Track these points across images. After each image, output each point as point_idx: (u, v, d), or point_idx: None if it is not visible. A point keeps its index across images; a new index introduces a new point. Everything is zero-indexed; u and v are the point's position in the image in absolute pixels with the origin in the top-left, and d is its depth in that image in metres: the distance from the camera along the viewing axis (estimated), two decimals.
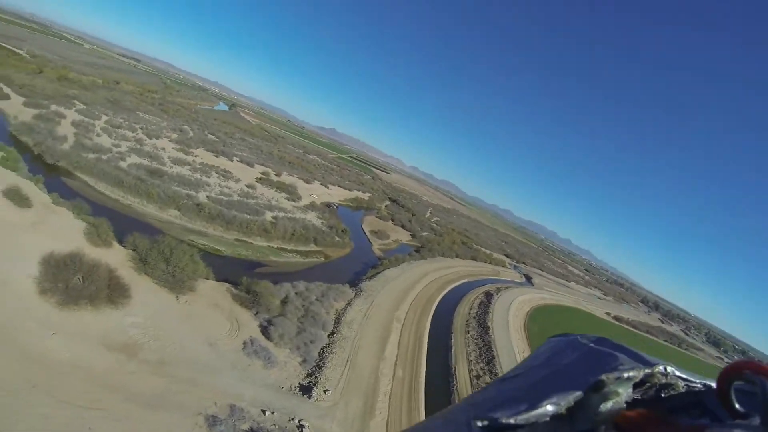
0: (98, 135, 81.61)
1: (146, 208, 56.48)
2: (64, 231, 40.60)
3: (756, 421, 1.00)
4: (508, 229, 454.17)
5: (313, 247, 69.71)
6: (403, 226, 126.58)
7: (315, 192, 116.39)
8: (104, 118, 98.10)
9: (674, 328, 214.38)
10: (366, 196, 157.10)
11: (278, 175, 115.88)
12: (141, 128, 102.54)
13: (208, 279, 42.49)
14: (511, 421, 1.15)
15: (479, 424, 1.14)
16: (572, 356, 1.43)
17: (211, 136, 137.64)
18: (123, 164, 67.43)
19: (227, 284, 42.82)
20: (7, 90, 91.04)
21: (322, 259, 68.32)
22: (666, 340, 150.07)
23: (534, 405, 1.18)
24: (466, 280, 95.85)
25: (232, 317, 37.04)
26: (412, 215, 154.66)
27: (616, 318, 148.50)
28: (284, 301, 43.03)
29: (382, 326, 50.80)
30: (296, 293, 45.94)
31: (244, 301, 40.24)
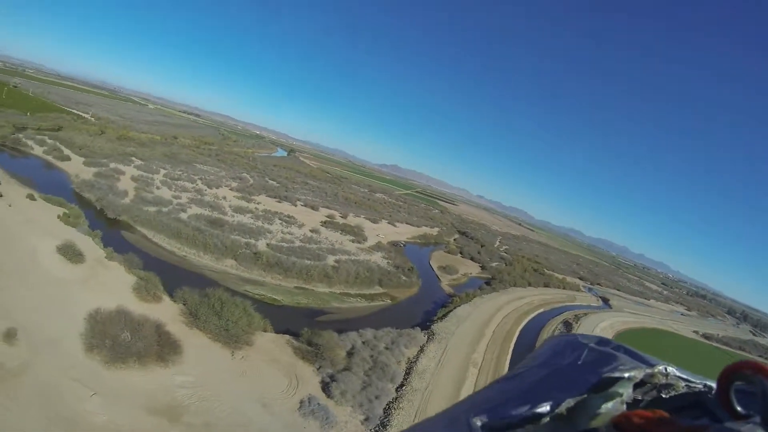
0: (158, 188, 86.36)
1: (202, 259, 57.50)
2: (113, 286, 41.37)
3: (756, 421, 1.04)
4: (579, 250, 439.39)
5: (378, 290, 68.19)
6: (472, 259, 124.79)
7: (382, 231, 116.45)
8: (162, 171, 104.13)
9: None
10: (434, 231, 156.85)
11: (344, 216, 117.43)
12: (200, 179, 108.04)
13: (266, 331, 41.53)
14: (512, 421, 1.23)
15: (479, 423, 1.22)
16: (572, 356, 1.50)
17: (272, 182, 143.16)
18: (183, 215, 70.07)
19: (287, 336, 41.53)
20: (68, 152, 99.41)
21: (389, 301, 66.54)
22: (760, 356, 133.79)
23: (534, 405, 1.25)
24: (542, 310, 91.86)
25: (291, 373, 35.39)
26: (481, 246, 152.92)
27: (705, 336, 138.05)
28: (350, 353, 40.94)
29: (457, 373, 47.28)
30: (363, 342, 43.76)
31: (306, 354, 38.58)
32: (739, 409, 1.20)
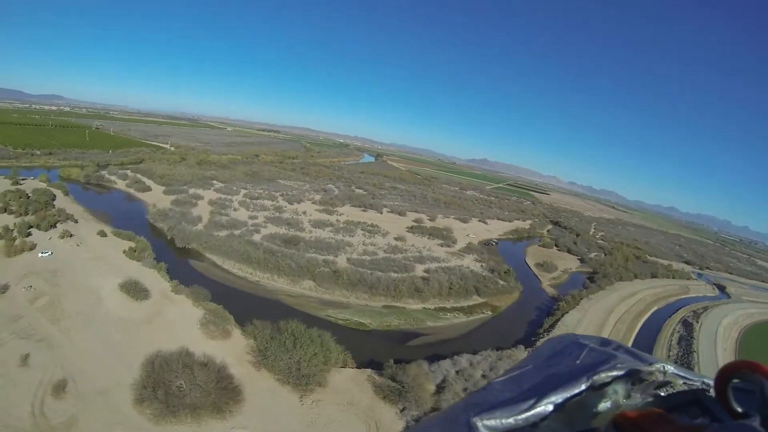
0: (235, 210, 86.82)
1: (276, 283, 55.22)
2: (179, 323, 39.42)
3: (755, 420, 1.11)
4: (678, 228, 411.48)
5: (476, 299, 62.69)
6: (569, 251, 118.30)
7: (472, 231, 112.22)
8: (243, 192, 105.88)
9: None
10: (527, 224, 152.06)
11: (432, 219, 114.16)
12: (281, 195, 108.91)
13: (345, 367, 37.71)
14: (511, 420, 1.31)
15: (479, 423, 1.29)
16: (572, 356, 1.60)
17: (359, 191, 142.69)
18: (257, 237, 69.08)
19: (369, 371, 37.31)
20: (149, 182, 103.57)
21: (489, 312, 60.66)
22: None
23: (534, 405, 1.33)
24: (655, 308, 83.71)
25: (369, 418, 30.99)
26: (577, 235, 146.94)
27: None
28: (441, 387, 35.88)
29: None
30: (457, 372, 38.52)
31: (389, 393, 33.96)
32: (737, 407, 1.27)
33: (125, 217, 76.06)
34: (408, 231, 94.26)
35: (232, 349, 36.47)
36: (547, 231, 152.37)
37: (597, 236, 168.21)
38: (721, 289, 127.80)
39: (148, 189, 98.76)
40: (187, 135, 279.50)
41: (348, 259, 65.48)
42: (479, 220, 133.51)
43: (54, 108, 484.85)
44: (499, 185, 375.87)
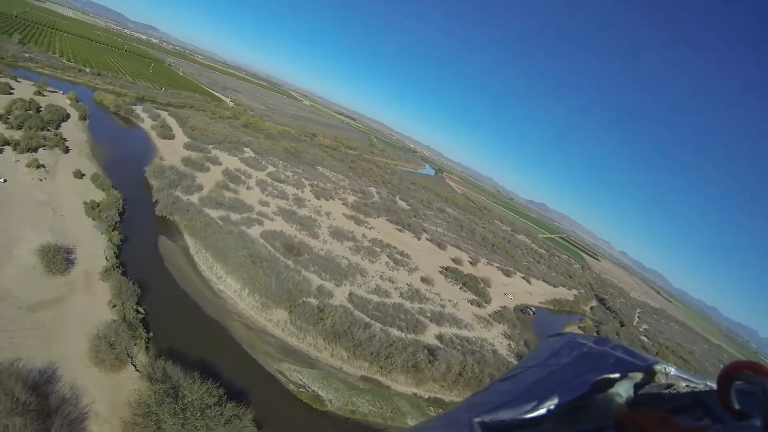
0: (248, 188, 75.78)
1: (240, 303, 43.18)
2: (69, 327, 28.72)
3: (756, 421, 1.13)
4: (718, 337, 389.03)
5: None
6: None
7: (513, 289, 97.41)
8: (269, 169, 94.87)
9: None
10: (571, 294, 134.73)
11: (474, 263, 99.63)
12: (311, 185, 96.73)
13: None
14: (512, 421, 1.34)
15: (480, 424, 1.32)
16: (572, 356, 1.63)
17: (401, 203, 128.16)
18: (255, 230, 57.99)
19: None
20: (177, 130, 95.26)
21: None
22: None
23: (535, 405, 1.37)
24: None
25: None
26: (621, 325, 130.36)
27: None
28: None
29: None
30: None
31: None
32: (739, 408, 1.27)
33: (126, 162, 67.29)
34: (441, 272, 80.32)
35: (112, 391, 25.73)
36: (590, 308, 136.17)
37: (641, 327, 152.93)
38: None
39: (171, 137, 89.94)
40: (258, 96, 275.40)
41: (350, 295, 52.47)
42: (523, 277, 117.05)
43: (143, 37, 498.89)
44: (552, 236, 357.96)
